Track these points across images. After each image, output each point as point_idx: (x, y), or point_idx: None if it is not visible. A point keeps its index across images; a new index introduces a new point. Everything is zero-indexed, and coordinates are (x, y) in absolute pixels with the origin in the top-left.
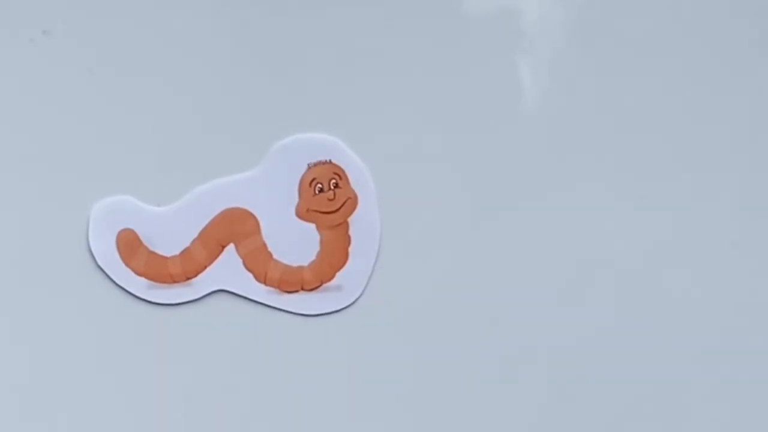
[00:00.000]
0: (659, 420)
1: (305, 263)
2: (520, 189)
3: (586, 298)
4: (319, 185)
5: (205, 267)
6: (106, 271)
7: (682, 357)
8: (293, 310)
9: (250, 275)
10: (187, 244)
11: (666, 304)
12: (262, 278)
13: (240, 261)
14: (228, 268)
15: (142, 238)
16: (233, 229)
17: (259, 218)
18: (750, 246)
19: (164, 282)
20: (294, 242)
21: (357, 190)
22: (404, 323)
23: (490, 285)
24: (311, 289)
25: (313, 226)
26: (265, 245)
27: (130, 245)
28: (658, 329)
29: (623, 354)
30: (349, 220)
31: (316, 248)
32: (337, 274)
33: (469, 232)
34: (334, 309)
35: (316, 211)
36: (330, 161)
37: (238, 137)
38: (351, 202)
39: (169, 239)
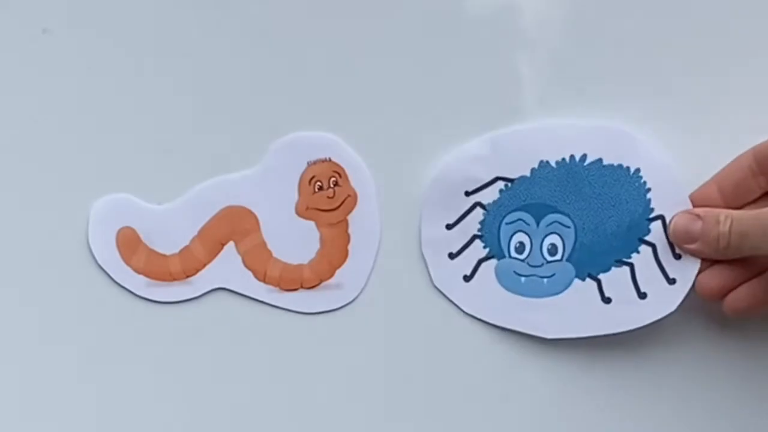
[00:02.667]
0: (665, 418)
1: (305, 261)
2: None
3: None
4: (319, 183)
5: (205, 265)
6: (106, 269)
7: (685, 354)
8: (293, 308)
9: (250, 273)
10: (186, 242)
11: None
12: (262, 276)
13: (239, 259)
14: (228, 267)
15: (141, 237)
16: (233, 227)
17: (258, 216)
18: None
19: (164, 280)
20: (294, 240)
21: (356, 188)
22: (404, 321)
23: None
24: (311, 287)
25: (312, 224)
26: (264, 243)
27: (129, 243)
28: (667, 325)
29: (629, 351)
30: (349, 218)
31: (316, 246)
32: (337, 272)
33: None
34: (333, 307)
35: (315, 209)
36: (329, 159)
37: (238, 135)
38: (350, 200)
39: (169, 237)
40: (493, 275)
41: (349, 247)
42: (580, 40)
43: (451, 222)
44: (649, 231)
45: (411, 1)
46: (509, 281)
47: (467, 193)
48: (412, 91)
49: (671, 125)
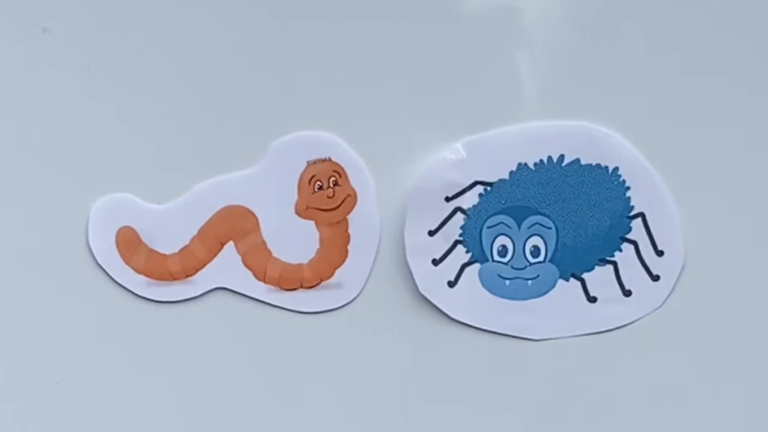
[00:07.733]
0: (655, 416)
1: (305, 261)
2: None
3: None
4: (319, 183)
5: (205, 264)
6: (106, 269)
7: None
8: (292, 308)
9: (250, 273)
10: (186, 241)
11: (680, 300)
12: (262, 276)
13: (239, 259)
14: (227, 266)
15: (141, 236)
16: (233, 226)
17: (258, 216)
18: (750, 243)
19: (164, 280)
20: (293, 240)
21: (356, 188)
22: (403, 321)
23: None
24: (311, 287)
25: (312, 223)
26: (264, 243)
27: (129, 243)
28: (674, 323)
29: (630, 352)
30: (349, 217)
31: (316, 246)
32: (337, 271)
33: None
34: (333, 306)
35: (315, 208)
36: (329, 159)
37: (238, 135)
38: (350, 200)
39: (169, 237)
40: (477, 280)
41: (349, 247)
42: (580, 39)
43: (432, 228)
44: (630, 229)
45: (411, 1)
46: (494, 285)
47: (447, 199)
48: (412, 90)
49: (674, 123)
